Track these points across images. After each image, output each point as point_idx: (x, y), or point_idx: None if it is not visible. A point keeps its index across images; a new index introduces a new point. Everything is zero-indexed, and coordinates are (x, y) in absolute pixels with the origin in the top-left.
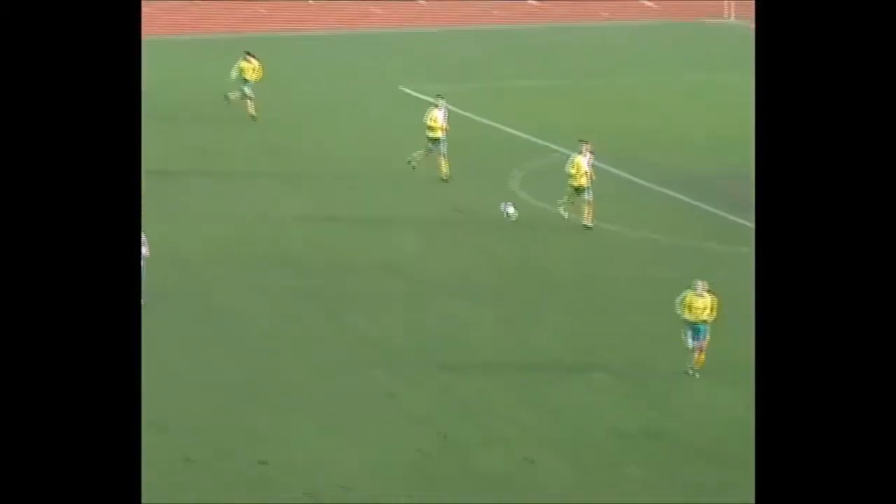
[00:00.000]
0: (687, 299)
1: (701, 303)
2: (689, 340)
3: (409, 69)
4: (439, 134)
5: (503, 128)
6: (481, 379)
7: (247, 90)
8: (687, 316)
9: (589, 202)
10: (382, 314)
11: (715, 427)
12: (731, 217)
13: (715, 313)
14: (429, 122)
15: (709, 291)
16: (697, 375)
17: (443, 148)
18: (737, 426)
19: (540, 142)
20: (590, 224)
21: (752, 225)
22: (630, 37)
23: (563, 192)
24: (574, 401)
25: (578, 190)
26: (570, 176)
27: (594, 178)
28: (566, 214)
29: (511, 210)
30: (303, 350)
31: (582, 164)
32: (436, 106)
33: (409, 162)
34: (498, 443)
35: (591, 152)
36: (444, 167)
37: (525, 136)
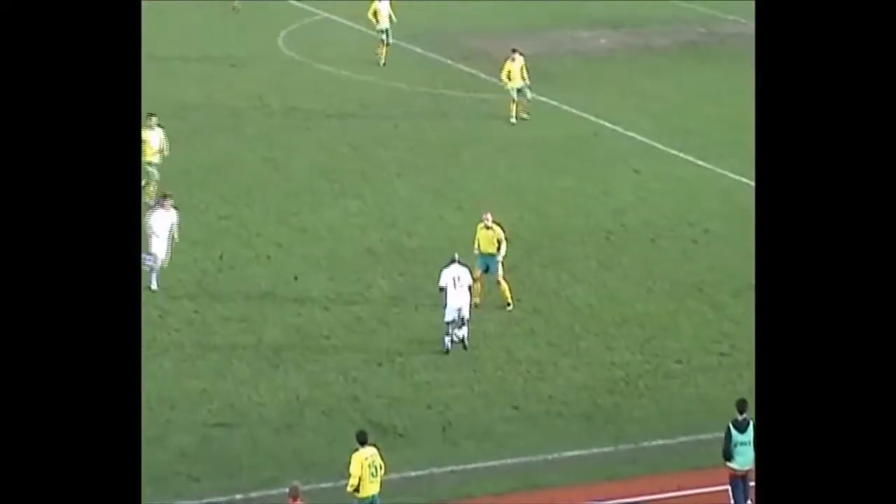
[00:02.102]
0: (477, 234)
1: (491, 235)
2: (479, 271)
3: None
4: (386, 24)
5: None
6: (250, 209)
7: None
8: (478, 250)
9: (528, 100)
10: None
11: (447, 240)
12: (460, 66)
13: (504, 245)
14: (369, 16)
15: (495, 222)
16: (511, 308)
17: (389, 37)
18: (470, 244)
19: (300, 5)
20: (525, 116)
21: (477, 72)
22: None
23: (319, 49)
24: (330, 224)
25: (519, 91)
26: (507, 82)
27: (528, 81)
28: (514, 120)
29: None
30: None
31: (513, 68)
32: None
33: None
34: (266, 262)
35: (521, 55)
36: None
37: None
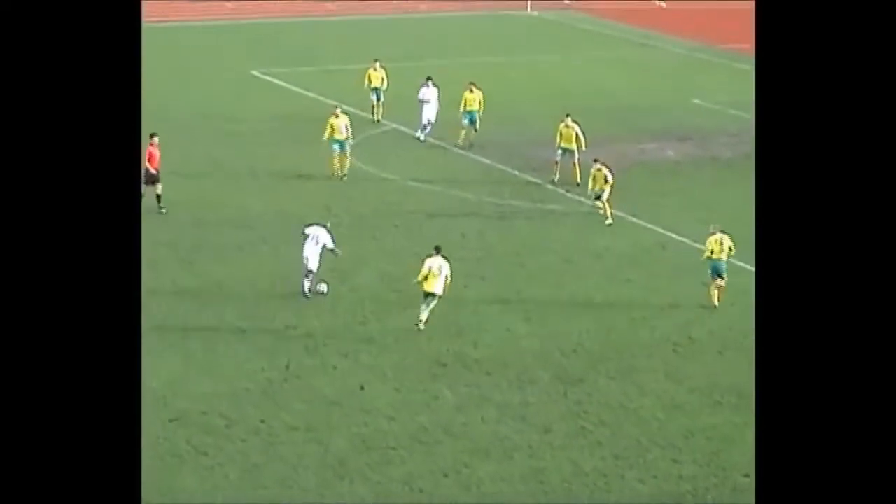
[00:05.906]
0: (708, 242)
1: (723, 243)
2: (711, 275)
3: (255, 55)
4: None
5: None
6: (318, 318)
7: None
8: (709, 255)
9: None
10: (230, 260)
11: (514, 351)
12: (527, 177)
13: (733, 251)
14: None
15: (722, 231)
16: (717, 304)
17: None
18: (537, 355)
19: (367, 115)
20: (609, 222)
21: (543, 183)
22: (445, 25)
23: (387, 159)
24: (397, 334)
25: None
26: (594, 179)
27: (610, 181)
28: (610, 221)
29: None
30: (162, 292)
31: (598, 175)
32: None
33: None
34: (333, 371)
35: (606, 166)
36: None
37: (355, 111)
